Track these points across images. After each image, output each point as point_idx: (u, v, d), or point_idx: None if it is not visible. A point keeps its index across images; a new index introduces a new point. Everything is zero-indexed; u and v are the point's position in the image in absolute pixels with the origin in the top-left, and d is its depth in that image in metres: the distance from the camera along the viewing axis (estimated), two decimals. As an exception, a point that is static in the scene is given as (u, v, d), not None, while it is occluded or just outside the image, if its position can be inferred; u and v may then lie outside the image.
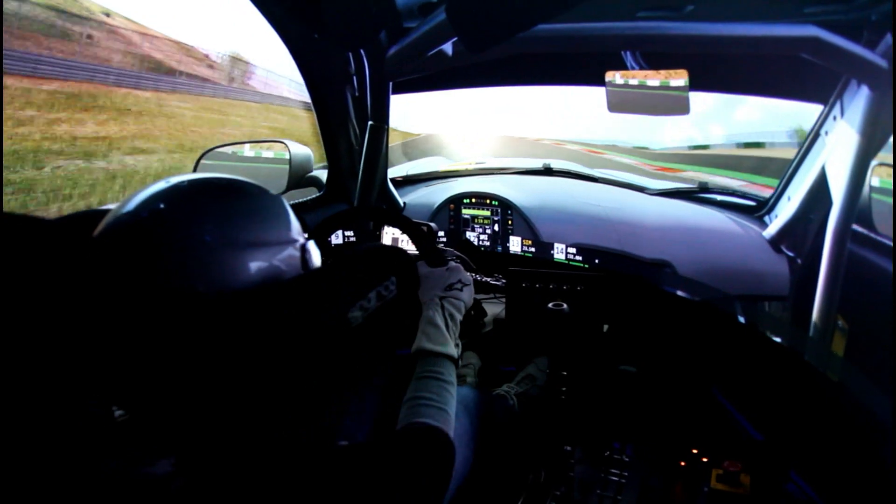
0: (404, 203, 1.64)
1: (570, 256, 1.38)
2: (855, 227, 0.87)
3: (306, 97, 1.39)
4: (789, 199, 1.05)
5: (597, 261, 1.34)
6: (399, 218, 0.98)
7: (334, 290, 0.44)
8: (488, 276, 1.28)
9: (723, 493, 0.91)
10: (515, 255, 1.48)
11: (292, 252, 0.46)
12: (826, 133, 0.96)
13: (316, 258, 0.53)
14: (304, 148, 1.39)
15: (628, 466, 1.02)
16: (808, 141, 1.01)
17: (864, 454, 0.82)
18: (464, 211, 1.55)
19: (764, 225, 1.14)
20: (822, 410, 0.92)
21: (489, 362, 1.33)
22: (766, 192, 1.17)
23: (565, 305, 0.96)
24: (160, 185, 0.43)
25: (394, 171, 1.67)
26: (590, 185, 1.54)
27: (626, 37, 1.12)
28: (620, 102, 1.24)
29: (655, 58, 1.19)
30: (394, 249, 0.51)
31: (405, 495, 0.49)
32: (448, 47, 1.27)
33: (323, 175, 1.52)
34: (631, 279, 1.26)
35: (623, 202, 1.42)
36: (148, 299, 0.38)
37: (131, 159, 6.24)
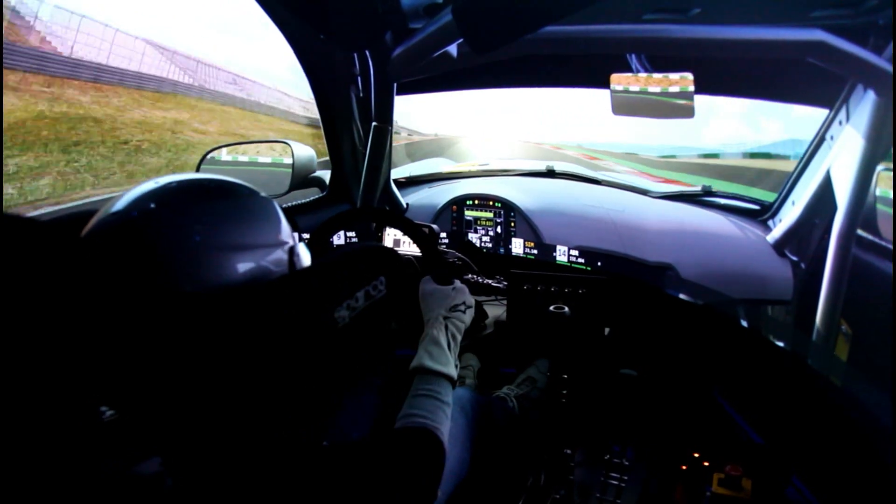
0: (407, 204, 1.64)
1: (573, 259, 1.38)
2: (859, 231, 0.87)
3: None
4: (794, 203, 1.05)
5: (599, 263, 1.34)
6: (401, 219, 0.99)
7: (320, 289, 0.43)
8: (490, 278, 1.28)
9: (724, 497, 0.91)
10: (518, 258, 1.48)
11: (280, 255, 0.45)
12: (831, 137, 0.95)
13: (305, 260, 0.53)
14: (307, 149, 1.40)
15: (628, 470, 1.02)
16: (813, 145, 1.00)
17: (867, 459, 0.82)
18: (467, 213, 1.55)
19: (768, 229, 1.13)
20: (825, 415, 0.92)
21: (489, 364, 1.33)
22: (770, 196, 1.17)
23: (566, 308, 0.96)
24: (150, 185, 0.43)
25: (397, 172, 1.67)
26: (593, 188, 1.54)
27: (631, 39, 1.12)
28: (625, 105, 1.24)
29: (661, 61, 1.19)
30: (383, 249, 0.50)
31: (391, 494, 0.49)
32: (453, 49, 1.27)
33: (326, 176, 1.53)
34: (633, 282, 1.26)
35: (626, 205, 1.41)
36: (136, 297, 0.38)
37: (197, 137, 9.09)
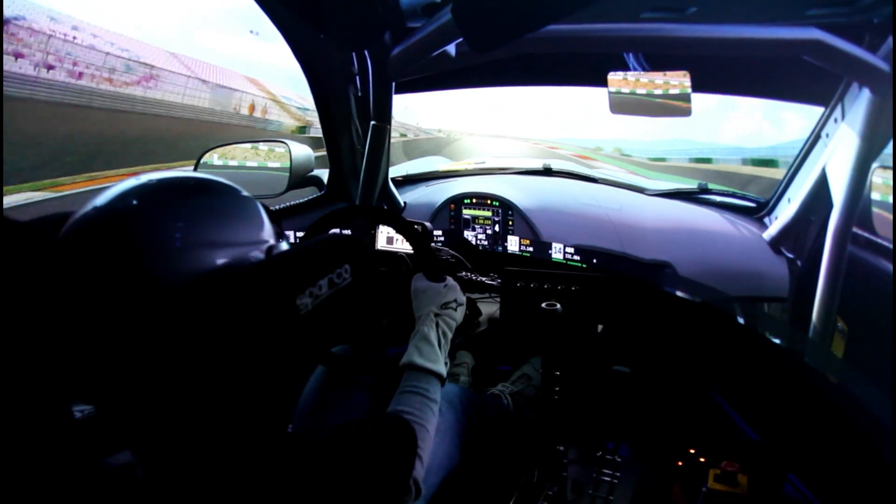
0: (405, 203, 1.64)
1: (569, 256, 1.38)
2: (855, 229, 0.87)
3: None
4: (789, 200, 1.05)
5: (594, 261, 1.34)
6: (393, 217, 0.99)
7: (281, 277, 0.44)
8: (484, 276, 1.28)
9: (720, 493, 0.92)
10: (513, 255, 1.48)
11: (258, 254, 0.46)
12: (827, 135, 0.96)
13: None
14: (304, 148, 1.40)
15: (621, 467, 1.03)
16: (809, 143, 1.01)
17: (862, 455, 0.83)
18: (464, 211, 1.55)
19: (764, 226, 1.14)
20: (821, 411, 0.92)
21: (484, 362, 1.33)
22: (766, 194, 1.17)
23: (558, 305, 0.97)
24: (132, 183, 0.44)
25: (394, 171, 1.67)
26: (589, 186, 1.54)
27: (629, 38, 1.12)
28: (622, 104, 1.24)
29: (658, 59, 1.19)
30: (348, 238, 0.51)
31: (356, 478, 0.49)
32: (451, 48, 1.27)
33: (324, 174, 1.53)
34: (626, 279, 1.26)
35: (623, 203, 1.42)
36: (115, 291, 0.38)
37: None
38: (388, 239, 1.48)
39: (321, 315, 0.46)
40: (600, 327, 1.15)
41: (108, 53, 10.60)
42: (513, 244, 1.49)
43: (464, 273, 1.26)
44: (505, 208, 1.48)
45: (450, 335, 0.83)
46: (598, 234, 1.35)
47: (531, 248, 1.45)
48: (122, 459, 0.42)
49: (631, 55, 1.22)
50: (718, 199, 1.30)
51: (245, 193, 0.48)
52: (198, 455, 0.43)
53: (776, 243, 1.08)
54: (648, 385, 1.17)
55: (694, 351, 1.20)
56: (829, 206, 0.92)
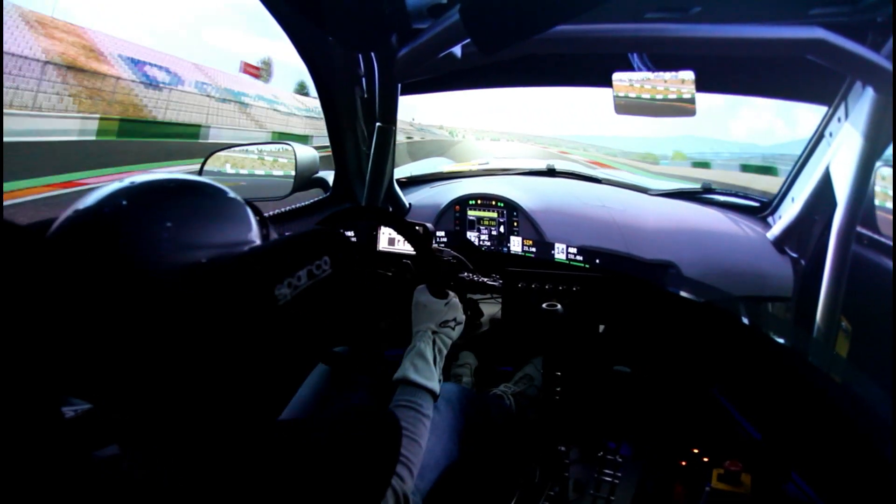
0: (410, 204, 1.64)
1: (571, 257, 1.38)
2: (859, 228, 0.87)
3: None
4: (793, 200, 1.05)
5: (597, 261, 1.34)
6: (393, 218, 1.00)
7: (258, 267, 0.44)
8: (485, 277, 1.29)
9: (724, 492, 0.92)
10: (516, 256, 1.49)
11: (241, 251, 0.46)
12: (830, 134, 0.96)
13: None
14: (309, 150, 1.41)
15: (622, 467, 1.03)
16: (813, 142, 1.01)
17: (865, 455, 0.82)
18: (469, 212, 1.55)
19: (767, 226, 1.14)
20: (824, 410, 0.92)
21: (486, 362, 1.34)
22: (770, 193, 1.17)
23: (559, 306, 0.97)
24: (120, 184, 0.45)
25: (398, 172, 1.67)
26: (593, 186, 1.55)
27: (634, 38, 1.13)
28: (627, 105, 1.25)
29: (662, 59, 1.19)
30: (328, 231, 0.52)
31: (337, 467, 0.50)
32: (457, 49, 1.27)
33: (329, 176, 1.53)
34: (629, 280, 1.26)
35: (627, 203, 1.42)
36: (104, 289, 0.39)
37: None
38: (389, 240, 1.48)
39: (302, 305, 0.46)
40: (602, 327, 1.15)
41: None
42: (516, 245, 1.49)
43: (465, 274, 1.27)
44: (510, 209, 1.49)
45: (445, 352, 0.84)
46: (602, 235, 1.35)
47: (534, 249, 1.45)
48: (108, 453, 0.43)
49: (635, 55, 1.22)
50: (722, 198, 1.30)
51: (233, 195, 0.49)
52: (184, 444, 0.44)
53: (780, 243, 1.08)
54: (649, 385, 1.17)
55: (696, 351, 1.20)
56: (833, 205, 0.92)
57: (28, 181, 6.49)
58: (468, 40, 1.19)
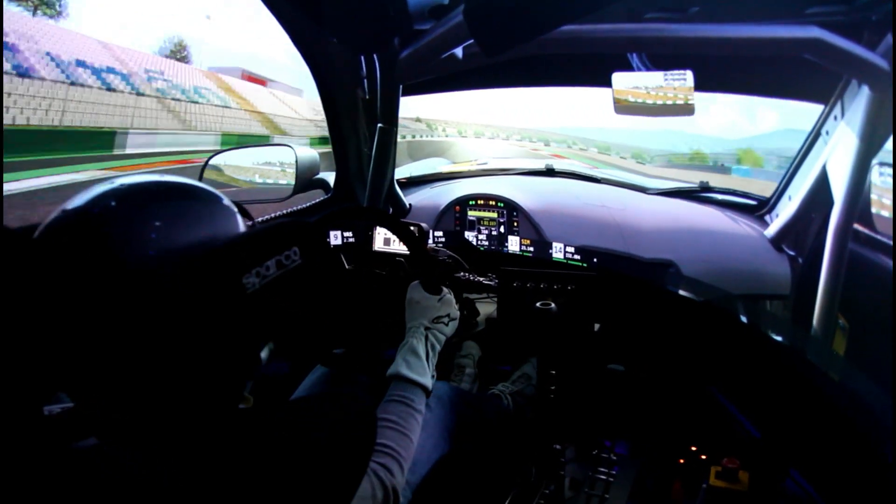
0: (410, 205, 1.65)
1: (569, 255, 1.39)
2: (856, 226, 0.88)
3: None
4: (790, 198, 1.06)
5: (595, 260, 1.35)
6: (388, 218, 1.00)
7: (227, 256, 0.46)
8: (482, 276, 1.30)
9: (721, 489, 0.92)
10: (514, 255, 1.49)
11: None
12: (827, 133, 0.96)
13: None
14: (310, 151, 1.41)
15: (617, 465, 1.03)
16: (809, 140, 1.01)
17: (863, 451, 0.83)
18: (470, 213, 1.56)
19: (765, 224, 1.14)
20: (822, 408, 0.92)
21: (484, 362, 1.34)
22: (767, 192, 1.17)
23: (553, 304, 0.97)
24: (109, 185, 0.46)
25: (398, 173, 1.68)
26: (591, 186, 1.55)
27: (633, 38, 1.13)
28: (627, 105, 1.25)
29: (661, 59, 1.20)
30: (298, 223, 0.53)
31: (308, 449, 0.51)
32: (458, 50, 1.28)
33: (330, 177, 1.54)
34: (624, 278, 1.27)
35: (626, 203, 1.42)
36: (91, 288, 0.40)
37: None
38: (385, 240, 1.49)
39: (273, 294, 0.48)
40: (597, 326, 1.15)
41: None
42: (513, 244, 1.50)
43: (462, 273, 1.27)
44: (510, 209, 1.49)
45: (438, 348, 0.85)
46: (602, 234, 1.36)
47: (532, 249, 1.46)
48: (89, 444, 0.44)
49: (635, 55, 1.23)
50: (719, 197, 1.30)
51: (221, 197, 0.50)
52: (160, 432, 0.45)
53: (777, 241, 1.09)
54: (643, 383, 1.17)
55: (693, 349, 1.20)
56: (830, 203, 0.92)
57: None
58: (470, 41, 1.20)
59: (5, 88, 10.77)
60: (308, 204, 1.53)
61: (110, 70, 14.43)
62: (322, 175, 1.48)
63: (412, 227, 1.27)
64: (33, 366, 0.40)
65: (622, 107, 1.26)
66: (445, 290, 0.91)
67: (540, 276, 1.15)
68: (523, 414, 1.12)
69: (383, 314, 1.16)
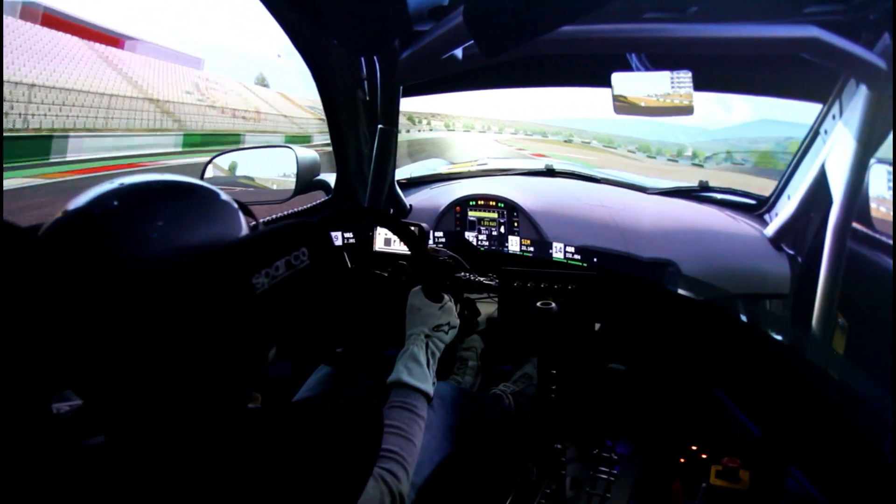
0: (410, 206, 1.66)
1: (569, 256, 1.39)
2: (855, 225, 0.88)
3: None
4: (789, 197, 1.06)
5: (595, 260, 1.35)
6: (388, 218, 1.00)
7: (237, 257, 0.46)
8: (482, 276, 1.30)
9: (722, 488, 0.92)
10: (514, 255, 1.49)
11: None
12: (825, 132, 0.96)
13: None
14: (310, 152, 1.41)
15: (618, 464, 1.03)
16: (808, 140, 1.01)
17: (863, 450, 0.83)
18: (470, 213, 1.56)
19: (764, 223, 1.14)
20: (822, 406, 0.92)
21: (485, 362, 1.35)
22: (766, 191, 1.18)
23: (553, 304, 0.98)
24: (112, 185, 0.46)
25: (398, 174, 1.67)
26: (591, 186, 1.56)
27: (632, 38, 1.14)
28: (627, 106, 1.26)
29: (660, 59, 1.20)
30: (306, 223, 0.54)
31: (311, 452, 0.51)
32: (458, 52, 1.28)
33: (330, 178, 1.54)
34: (624, 278, 1.27)
35: (626, 203, 1.43)
36: (93, 288, 0.41)
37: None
38: (385, 241, 1.49)
39: (282, 294, 0.49)
40: (597, 326, 1.16)
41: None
42: (514, 244, 1.50)
43: (462, 273, 1.28)
44: (510, 210, 1.49)
45: (438, 355, 0.86)
46: (602, 234, 1.36)
47: (532, 249, 1.46)
48: (94, 442, 0.44)
49: (634, 55, 1.23)
50: (719, 196, 1.31)
51: (224, 197, 0.50)
52: (168, 431, 0.45)
53: (777, 240, 1.09)
54: (644, 382, 1.17)
55: (693, 348, 1.20)
56: (829, 202, 0.92)
57: None
58: (470, 42, 1.20)
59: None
60: (309, 205, 1.54)
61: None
62: (322, 176, 1.49)
63: (413, 228, 1.27)
64: (37, 365, 0.40)
65: (622, 107, 1.26)
66: (447, 297, 0.91)
67: (540, 275, 1.16)
68: (524, 413, 1.12)
69: (384, 314, 1.16)
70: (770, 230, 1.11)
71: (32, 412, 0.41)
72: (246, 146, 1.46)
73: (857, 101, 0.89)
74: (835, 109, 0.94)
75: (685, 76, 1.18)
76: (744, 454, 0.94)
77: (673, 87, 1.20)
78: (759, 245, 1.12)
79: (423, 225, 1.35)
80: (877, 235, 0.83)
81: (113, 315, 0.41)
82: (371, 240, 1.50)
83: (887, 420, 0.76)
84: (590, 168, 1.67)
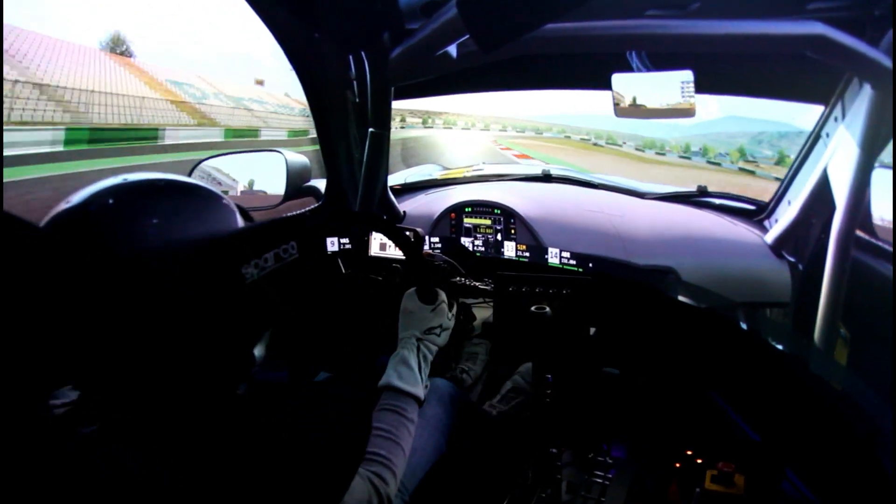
0: (404, 212, 1.63)
1: (565, 261, 1.37)
2: (859, 232, 0.84)
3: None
4: (790, 203, 1.02)
5: (591, 265, 1.32)
6: (383, 223, 0.99)
7: (228, 248, 0.48)
8: (477, 281, 1.29)
9: (716, 493, 0.91)
10: (510, 261, 1.47)
11: None
12: (827, 135, 0.93)
13: None
14: (300, 157, 1.37)
15: (613, 468, 1.02)
16: (809, 143, 0.98)
17: (861, 454, 0.81)
18: (466, 220, 1.53)
19: (764, 229, 1.11)
20: (818, 411, 0.90)
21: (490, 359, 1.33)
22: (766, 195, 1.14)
23: (548, 309, 0.96)
24: (111, 182, 0.47)
25: (391, 179, 1.65)
26: (588, 192, 1.53)
27: (632, 36, 1.11)
28: (628, 108, 1.22)
29: (661, 58, 1.17)
30: (295, 218, 0.55)
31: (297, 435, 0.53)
32: (452, 49, 1.24)
33: (321, 184, 1.51)
34: (620, 282, 1.24)
35: (623, 208, 1.40)
36: (89, 283, 0.41)
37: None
38: (380, 245, 1.47)
39: (271, 283, 0.51)
40: (592, 330, 1.14)
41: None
42: (509, 250, 1.47)
43: (458, 278, 1.26)
44: (507, 216, 1.46)
45: (430, 358, 0.84)
46: (599, 240, 1.34)
47: (528, 254, 1.44)
48: (88, 430, 0.45)
49: (634, 55, 1.20)
50: (717, 201, 1.28)
51: (221, 196, 0.52)
52: (161, 418, 0.46)
53: (777, 246, 1.06)
54: (639, 387, 1.16)
55: (689, 352, 1.18)
56: (832, 208, 0.89)
57: None
58: (463, 39, 1.16)
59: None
60: (300, 211, 1.51)
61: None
62: (313, 182, 1.46)
63: (408, 232, 1.26)
64: (34, 359, 0.41)
65: (622, 109, 1.23)
66: (442, 295, 0.90)
67: (535, 280, 1.14)
68: (519, 417, 1.11)
69: (378, 318, 1.15)
70: (770, 236, 1.08)
71: (30, 406, 0.42)
72: (237, 150, 1.43)
73: (860, 103, 0.85)
74: (837, 111, 0.90)
75: (686, 76, 1.14)
76: (739, 459, 0.93)
77: (675, 89, 1.16)
78: (759, 252, 1.09)
79: (419, 230, 1.33)
80: (881, 244, 0.80)
81: (104, 309, 0.42)
82: (366, 245, 1.48)
83: (884, 426, 0.75)
84: (586, 173, 1.63)
